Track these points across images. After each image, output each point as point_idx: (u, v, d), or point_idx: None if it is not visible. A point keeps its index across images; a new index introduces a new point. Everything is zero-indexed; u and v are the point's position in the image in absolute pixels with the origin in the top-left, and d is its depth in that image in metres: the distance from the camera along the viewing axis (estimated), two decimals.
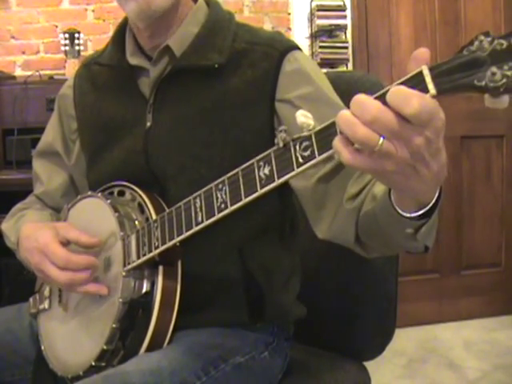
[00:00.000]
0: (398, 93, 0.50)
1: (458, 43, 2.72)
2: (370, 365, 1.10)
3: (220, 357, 0.86)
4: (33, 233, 0.92)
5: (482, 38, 0.52)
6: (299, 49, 0.94)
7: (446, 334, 2.62)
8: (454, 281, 2.81)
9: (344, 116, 0.52)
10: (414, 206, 0.64)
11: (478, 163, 2.79)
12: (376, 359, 1.12)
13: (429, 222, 0.66)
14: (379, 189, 0.71)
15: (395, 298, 1.10)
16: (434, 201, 0.63)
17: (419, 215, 0.64)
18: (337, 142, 0.54)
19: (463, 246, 2.80)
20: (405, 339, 2.49)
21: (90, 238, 0.87)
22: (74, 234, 0.88)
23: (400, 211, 0.65)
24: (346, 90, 1.05)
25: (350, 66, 2.66)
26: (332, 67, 2.59)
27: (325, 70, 2.71)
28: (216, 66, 0.89)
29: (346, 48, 2.60)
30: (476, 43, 0.52)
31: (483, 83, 0.50)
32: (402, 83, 0.53)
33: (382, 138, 0.51)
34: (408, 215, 0.64)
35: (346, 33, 2.65)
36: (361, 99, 0.51)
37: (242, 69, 0.90)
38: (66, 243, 0.88)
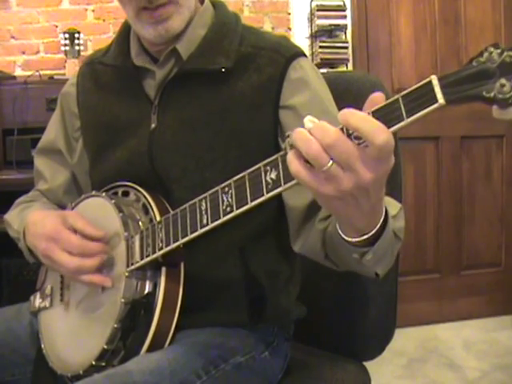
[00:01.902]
0: (371, 123, 0.54)
1: (458, 43, 2.72)
2: (370, 365, 1.10)
3: (220, 356, 0.86)
4: (40, 219, 0.93)
5: (492, 49, 0.52)
6: (305, 55, 0.94)
7: (445, 334, 2.62)
8: (454, 281, 2.81)
9: (301, 132, 0.56)
10: (352, 232, 0.67)
11: (478, 163, 2.79)
12: (376, 359, 1.12)
13: (374, 251, 0.69)
14: None
15: (395, 298, 1.10)
16: (374, 231, 0.66)
17: (362, 243, 0.68)
18: (290, 154, 0.58)
19: (463, 246, 2.80)
20: (405, 339, 2.49)
21: (95, 230, 0.87)
22: (82, 223, 0.88)
23: (342, 234, 0.69)
24: (346, 89, 1.05)
25: (350, 66, 2.66)
26: (332, 67, 2.59)
27: (325, 70, 2.70)
28: (223, 70, 0.89)
29: (346, 48, 2.60)
30: (485, 54, 0.52)
31: (492, 94, 0.51)
32: (412, 91, 0.54)
33: (331, 161, 0.55)
34: (349, 239, 0.68)
35: (346, 33, 2.65)
36: (324, 125, 0.56)
37: (248, 73, 0.90)
38: (73, 231, 0.88)
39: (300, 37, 2.70)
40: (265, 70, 0.90)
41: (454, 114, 2.68)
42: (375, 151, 0.54)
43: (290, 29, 2.75)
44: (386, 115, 0.56)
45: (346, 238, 0.69)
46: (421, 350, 2.45)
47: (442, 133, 2.72)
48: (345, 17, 2.61)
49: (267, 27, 2.72)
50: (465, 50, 2.71)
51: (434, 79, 0.53)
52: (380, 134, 0.53)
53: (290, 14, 2.75)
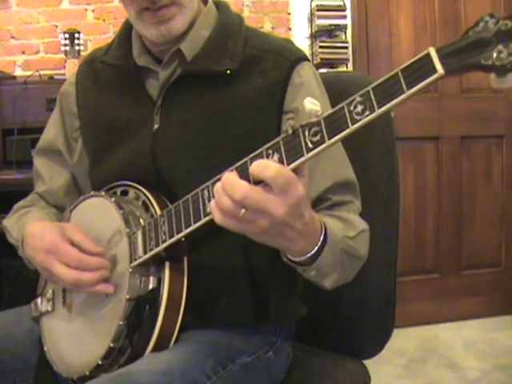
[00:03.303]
0: (259, 163, 0.62)
1: None
2: (370, 365, 1.11)
3: (228, 357, 0.86)
4: (39, 231, 0.92)
5: (487, 18, 0.53)
6: (308, 60, 0.95)
7: (446, 334, 2.62)
8: (454, 281, 2.81)
9: (217, 187, 0.64)
10: (292, 254, 0.74)
11: (478, 163, 2.79)
12: (376, 359, 1.12)
13: (316, 268, 0.75)
14: None
15: (394, 297, 1.10)
16: (313, 252, 0.72)
17: (303, 261, 0.74)
18: (212, 204, 0.65)
19: (463, 246, 2.80)
20: (405, 339, 2.49)
21: (94, 245, 0.86)
22: (80, 237, 0.87)
23: (283, 257, 0.77)
24: (343, 90, 1.05)
25: (350, 66, 2.66)
26: (332, 67, 2.59)
27: (325, 70, 2.69)
28: (228, 72, 0.89)
29: (346, 48, 2.60)
30: (481, 24, 0.54)
31: (490, 62, 0.52)
32: (410, 64, 0.55)
33: (243, 210, 0.61)
34: (291, 259, 0.75)
35: (346, 33, 2.65)
36: (232, 180, 0.62)
37: (253, 76, 0.90)
38: (71, 243, 0.87)
39: (300, 37, 2.70)
40: (270, 73, 0.90)
41: (454, 114, 2.68)
42: (272, 186, 0.60)
43: (290, 29, 2.75)
44: (386, 89, 0.57)
45: (289, 257, 0.75)
46: (421, 350, 2.45)
47: (442, 133, 2.72)
48: (345, 17, 2.62)
49: (267, 27, 2.72)
50: None
51: (432, 51, 0.54)
52: (265, 169, 0.60)
53: (289, 14, 2.75)
